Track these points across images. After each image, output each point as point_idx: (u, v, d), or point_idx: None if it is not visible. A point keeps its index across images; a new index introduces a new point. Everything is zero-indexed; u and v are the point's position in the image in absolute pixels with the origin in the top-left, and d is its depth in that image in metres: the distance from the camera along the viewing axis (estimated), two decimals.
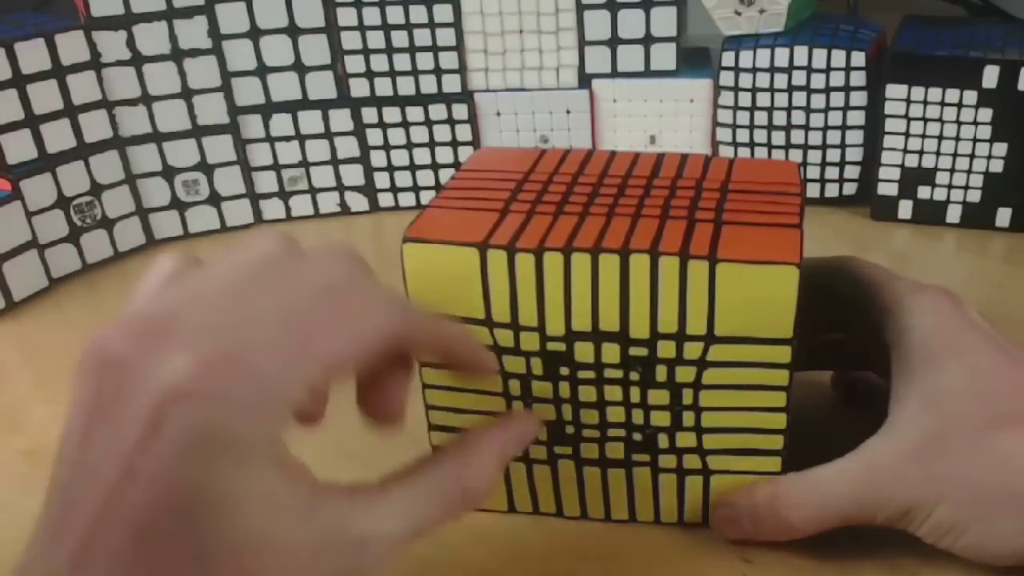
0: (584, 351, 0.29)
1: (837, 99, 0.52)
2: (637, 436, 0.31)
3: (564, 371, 0.30)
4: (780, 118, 0.53)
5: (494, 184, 0.32)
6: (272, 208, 0.57)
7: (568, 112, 0.55)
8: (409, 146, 0.56)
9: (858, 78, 0.51)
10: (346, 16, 0.53)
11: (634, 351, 0.29)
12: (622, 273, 0.28)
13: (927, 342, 0.29)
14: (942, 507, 0.28)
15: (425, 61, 0.54)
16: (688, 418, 0.30)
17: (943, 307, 0.30)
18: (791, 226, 0.29)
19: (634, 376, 0.29)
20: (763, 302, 0.27)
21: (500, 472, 0.28)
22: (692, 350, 0.29)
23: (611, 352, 0.29)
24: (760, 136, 0.54)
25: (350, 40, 0.53)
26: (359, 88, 0.55)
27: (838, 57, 0.51)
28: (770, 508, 0.30)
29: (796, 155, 0.54)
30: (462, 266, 0.29)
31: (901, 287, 0.31)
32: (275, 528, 0.21)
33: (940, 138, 0.50)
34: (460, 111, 0.55)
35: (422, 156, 0.56)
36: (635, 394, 0.30)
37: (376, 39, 0.53)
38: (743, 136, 0.54)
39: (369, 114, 0.55)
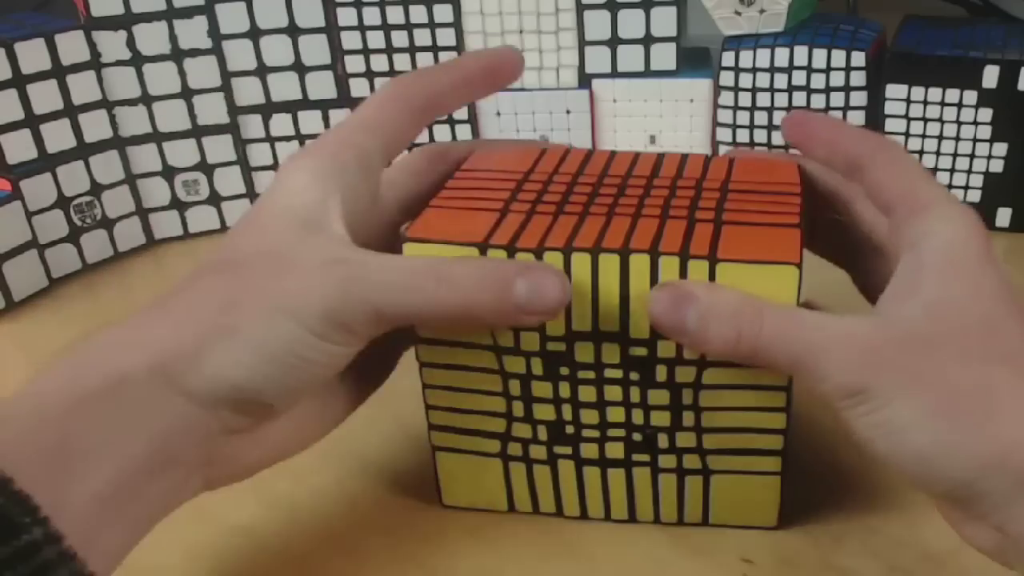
0: (584, 351, 0.29)
1: (837, 99, 0.52)
2: (637, 436, 0.31)
3: (564, 371, 0.30)
4: (780, 118, 0.53)
5: (494, 184, 0.32)
6: None
7: (568, 112, 0.55)
8: (411, 146, 0.56)
9: (858, 78, 0.51)
10: (346, 16, 0.53)
11: (634, 351, 0.29)
12: (622, 273, 0.28)
13: (951, 253, 0.27)
14: (902, 401, 0.25)
15: (425, 61, 0.54)
16: (688, 418, 0.30)
17: (976, 228, 0.28)
18: (791, 226, 0.29)
19: (634, 376, 0.29)
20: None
21: (492, 298, 0.27)
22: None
23: (611, 352, 0.29)
24: (760, 136, 0.54)
25: (350, 40, 0.53)
26: (359, 88, 0.55)
27: (838, 57, 0.51)
28: (742, 325, 0.27)
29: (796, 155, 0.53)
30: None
31: (938, 190, 0.29)
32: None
33: (940, 138, 0.50)
34: (460, 111, 0.55)
35: None
36: (635, 394, 0.30)
37: (376, 39, 0.53)
38: (743, 136, 0.54)
39: None
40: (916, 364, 0.26)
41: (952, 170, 0.51)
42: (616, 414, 0.30)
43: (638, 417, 0.30)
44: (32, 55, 0.48)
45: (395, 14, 0.53)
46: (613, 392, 0.30)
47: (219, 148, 0.54)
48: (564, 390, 0.30)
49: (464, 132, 0.56)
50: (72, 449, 0.24)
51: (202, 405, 0.26)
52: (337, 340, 0.27)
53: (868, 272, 0.33)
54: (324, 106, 0.55)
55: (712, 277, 0.27)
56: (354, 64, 0.54)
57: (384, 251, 0.29)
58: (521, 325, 0.29)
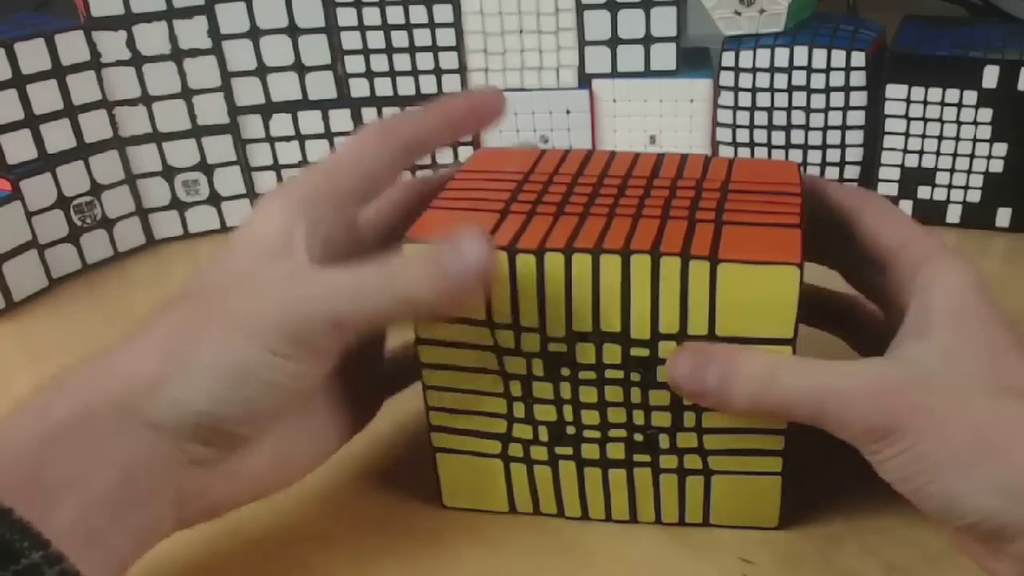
0: (585, 352, 0.29)
1: (837, 99, 0.52)
2: (638, 436, 0.31)
3: (565, 372, 0.30)
4: (780, 118, 0.53)
5: (494, 185, 0.32)
6: None
7: (568, 112, 0.55)
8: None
9: (858, 78, 0.51)
10: (346, 16, 0.53)
11: (635, 352, 0.29)
12: (623, 273, 0.28)
13: (958, 300, 0.29)
14: (927, 441, 0.26)
15: (425, 61, 0.54)
16: (689, 418, 0.30)
17: (976, 278, 0.29)
18: (792, 226, 0.29)
19: (635, 377, 0.29)
20: (764, 302, 0.27)
21: (435, 282, 0.27)
22: None
23: (612, 353, 0.29)
24: (760, 136, 0.54)
25: (350, 40, 0.53)
26: (359, 88, 0.54)
27: (838, 57, 0.51)
28: (766, 378, 0.27)
29: (796, 155, 0.54)
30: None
31: (936, 244, 0.30)
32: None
33: (940, 138, 0.50)
34: None
35: None
36: (636, 395, 0.30)
37: (376, 39, 0.53)
38: (743, 136, 0.54)
39: (369, 114, 0.55)
40: (938, 404, 0.27)
41: (952, 170, 0.51)
42: (617, 415, 0.30)
43: (639, 418, 0.30)
44: (32, 55, 0.48)
45: (395, 14, 0.53)
46: (614, 393, 0.30)
47: (219, 148, 0.54)
48: (565, 391, 0.30)
49: None
50: (42, 484, 0.24)
51: (167, 436, 0.26)
52: (300, 357, 0.27)
53: (866, 281, 0.33)
54: (324, 106, 0.55)
55: (713, 278, 0.27)
56: (354, 64, 0.54)
57: None
58: (463, 299, 0.28)
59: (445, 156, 0.56)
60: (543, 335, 0.29)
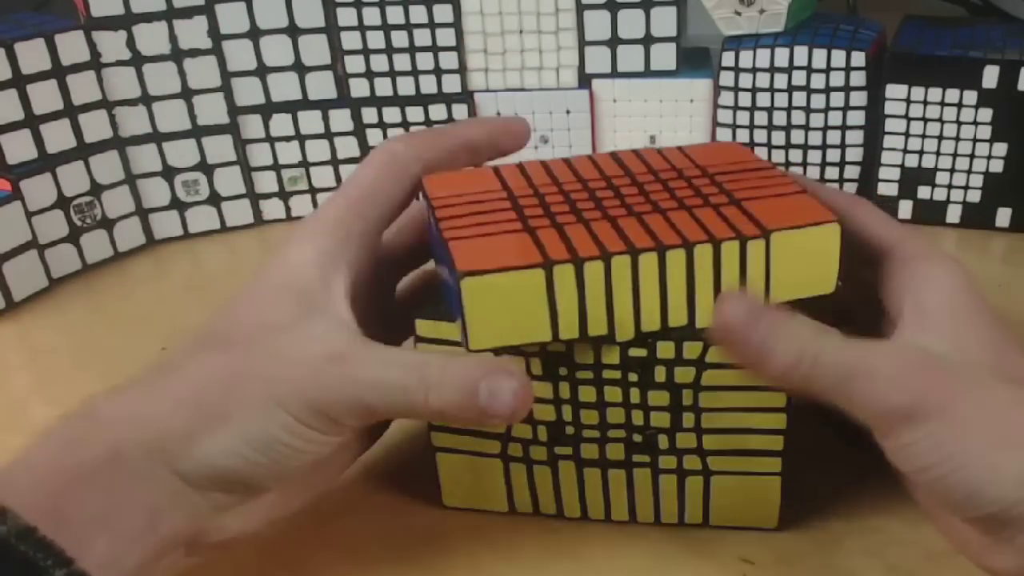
0: (583, 352, 0.29)
1: (837, 99, 0.52)
2: (637, 437, 0.31)
3: (563, 371, 0.30)
4: (780, 118, 0.53)
5: (483, 207, 0.31)
6: (272, 208, 0.57)
7: (568, 112, 0.55)
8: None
9: (858, 78, 0.51)
10: (346, 16, 0.53)
11: (633, 352, 0.29)
12: (660, 270, 0.28)
13: (954, 297, 0.29)
14: (950, 421, 0.25)
15: (425, 61, 0.54)
16: (688, 419, 0.30)
17: (965, 276, 0.30)
18: (799, 192, 0.30)
19: (633, 377, 0.29)
20: (812, 263, 0.29)
21: (460, 401, 0.27)
22: (691, 350, 0.29)
23: (611, 353, 0.29)
24: (760, 136, 0.54)
25: (350, 40, 0.53)
26: (359, 88, 0.55)
27: (838, 57, 0.51)
28: (805, 344, 0.27)
29: (796, 155, 0.54)
30: (529, 290, 0.28)
31: (924, 244, 0.31)
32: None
33: (940, 138, 0.50)
34: (460, 111, 0.55)
35: None
36: (635, 395, 0.30)
37: (376, 39, 0.53)
38: (743, 136, 0.54)
39: (369, 114, 0.55)
40: (959, 387, 0.26)
41: (952, 170, 0.51)
42: (616, 415, 0.30)
43: (638, 418, 0.30)
44: (32, 55, 0.48)
45: (395, 14, 0.53)
46: (613, 393, 0.30)
47: (219, 148, 0.54)
48: (564, 391, 0.30)
49: None
50: (73, 519, 0.24)
51: (193, 485, 0.26)
52: (325, 431, 0.28)
53: (856, 281, 0.33)
54: (324, 106, 0.55)
55: (768, 251, 0.28)
56: (354, 64, 0.54)
57: (378, 307, 0.30)
58: (492, 426, 0.30)
59: None
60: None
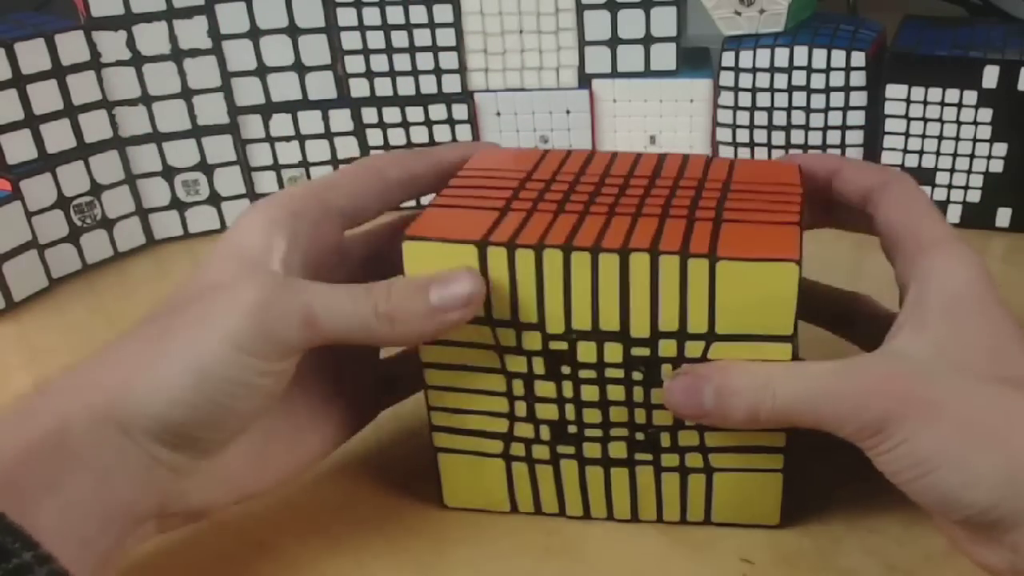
0: (586, 351, 0.29)
1: (837, 99, 0.52)
2: (640, 435, 0.31)
3: (566, 370, 0.30)
4: (780, 118, 0.53)
5: (495, 183, 0.32)
6: None
7: (568, 112, 0.55)
8: (409, 146, 0.56)
9: (858, 78, 0.51)
10: (346, 16, 0.53)
11: (636, 351, 0.29)
12: (621, 272, 0.28)
13: (957, 290, 0.28)
14: (922, 434, 0.26)
15: (425, 61, 0.54)
16: None
17: (980, 268, 0.29)
18: (791, 223, 0.29)
19: (637, 376, 0.29)
20: (763, 299, 0.27)
21: (416, 306, 0.28)
22: (693, 348, 0.29)
23: (613, 351, 0.29)
24: (760, 136, 0.54)
25: (350, 40, 0.53)
26: (359, 88, 0.55)
27: (838, 57, 0.51)
28: (760, 389, 0.28)
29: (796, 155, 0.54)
30: (462, 263, 0.29)
31: (944, 230, 0.30)
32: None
33: (940, 138, 0.50)
34: (460, 111, 0.55)
35: None
36: (638, 393, 0.30)
37: (376, 39, 0.53)
38: (743, 136, 0.54)
39: (369, 114, 0.55)
40: (930, 395, 0.26)
41: (952, 170, 0.51)
42: (619, 413, 0.30)
43: (641, 416, 0.30)
44: (32, 55, 0.48)
45: (395, 14, 0.53)
46: (615, 392, 0.30)
47: (219, 148, 0.54)
48: (567, 389, 0.30)
49: (464, 132, 0.56)
50: (22, 489, 0.24)
51: (138, 441, 0.26)
52: (266, 354, 0.27)
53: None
54: (324, 106, 0.55)
55: (712, 275, 0.27)
56: (354, 64, 0.54)
57: None
58: (447, 327, 0.29)
59: None
60: (543, 333, 0.29)
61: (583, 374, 0.30)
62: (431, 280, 0.28)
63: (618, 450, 0.31)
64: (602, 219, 0.29)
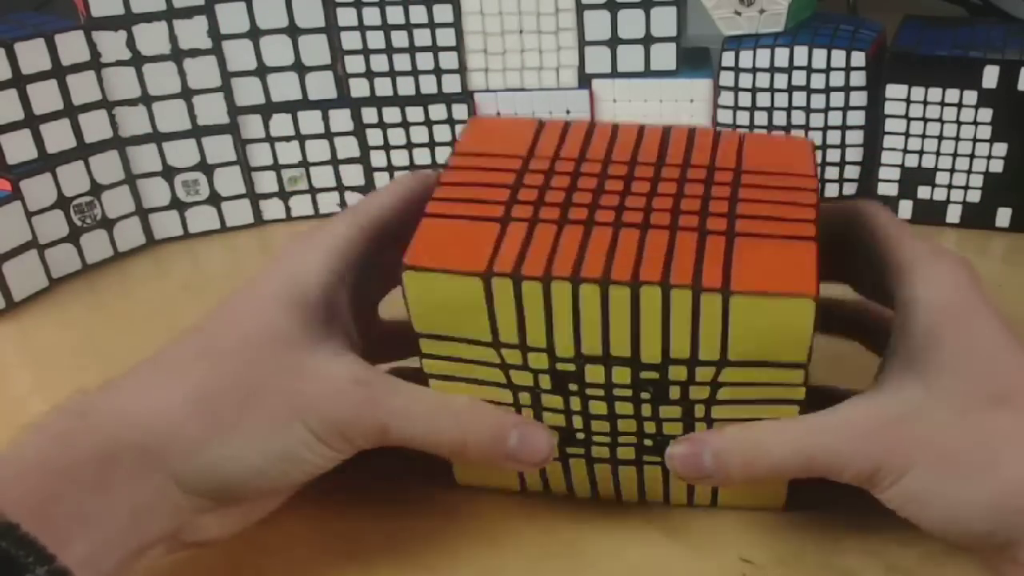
0: (594, 373, 0.29)
1: (837, 99, 0.52)
2: (648, 442, 0.31)
3: (573, 387, 0.30)
4: (780, 118, 0.53)
5: (492, 177, 0.31)
6: (272, 208, 0.57)
7: (568, 112, 0.55)
8: (409, 146, 0.56)
9: (858, 78, 0.51)
10: (346, 16, 0.53)
11: (645, 374, 0.29)
12: (632, 303, 0.27)
13: (934, 317, 0.28)
14: (912, 473, 0.27)
15: (425, 61, 0.54)
16: (700, 427, 0.30)
17: (958, 281, 0.29)
18: (807, 238, 0.28)
19: (645, 396, 0.29)
20: (778, 330, 0.27)
21: (492, 445, 0.30)
22: (704, 374, 0.28)
23: (622, 374, 0.29)
24: None
25: (350, 40, 0.53)
26: (359, 88, 0.54)
27: (838, 57, 0.51)
28: (752, 448, 0.29)
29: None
30: (466, 294, 0.28)
31: (919, 250, 0.30)
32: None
33: (940, 138, 0.50)
34: (460, 111, 0.55)
35: (422, 156, 0.56)
36: (647, 409, 0.30)
37: (376, 39, 0.53)
38: None
39: (369, 114, 0.55)
40: (918, 435, 0.27)
41: (952, 170, 0.51)
42: (627, 425, 0.30)
43: (650, 427, 0.30)
44: (32, 55, 0.48)
45: (395, 14, 0.53)
46: (624, 407, 0.30)
47: (219, 148, 0.54)
48: (574, 404, 0.30)
49: None
50: (55, 517, 0.24)
51: (185, 489, 0.27)
52: (340, 449, 0.28)
53: (870, 290, 0.34)
54: (324, 106, 0.55)
55: (726, 312, 0.27)
56: (354, 64, 0.54)
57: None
58: (507, 469, 0.31)
59: (445, 155, 0.56)
60: (551, 355, 0.29)
61: (591, 392, 0.30)
62: (514, 423, 0.30)
63: (627, 453, 0.31)
64: (609, 232, 0.28)
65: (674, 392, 0.29)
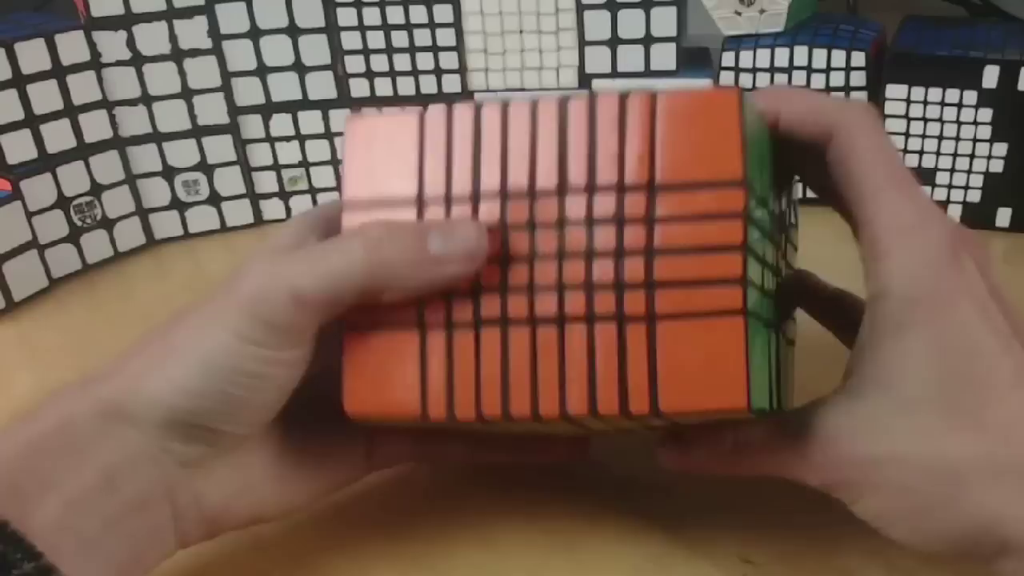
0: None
1: None
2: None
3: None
4: None
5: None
6: (272, 208, 0.57)
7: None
8: None
9: (858, 78, 0.51)
10: (346, 16, 0.53)
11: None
12: (563, 421, 0.27)
13: (903, 316, 0.26)
14: (869, 496, 0.26)
15: (425, 61, 0.54)
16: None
17: (937, 265, 0.26)
18: (734, 312, 0.25)
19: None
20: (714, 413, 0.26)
21: (413, 250, 0.26)
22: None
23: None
24: None
25: (350, 40, 0.53)
26: (359, 88, 0.55)
27: (838, 57, 0.51)
28: (737, 452, 0.28)
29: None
30: (407, 420, 0.28)
31: (897, 220, 0.26)
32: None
33: (940, 138, 0.50)
34: None
35: None
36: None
37: (376, 39, 0.53)
38: None
39: None
40: (872, 453, 0.26)
41: (952, 170, 0.51)
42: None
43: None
44: (32, 55, 0.48)
45: (395, 14, 0.53)
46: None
47: (219, 148, 0.54)
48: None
49: None
50: (23, 487, 0.24)
51: (147, 434, 0.26)
52: (268, 342, 0.26)
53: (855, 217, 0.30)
54: (324, 106, 0.55)
55: (656, 410, 0.25)
56: (354, 64, 0.54)
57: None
58: (444, 279, 0.27)
59: None
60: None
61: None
62: (429, 227, 0.27)
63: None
64: (527, 336, 0.26)
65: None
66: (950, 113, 0.49)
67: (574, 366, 0.26)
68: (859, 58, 0.50)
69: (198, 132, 0.54)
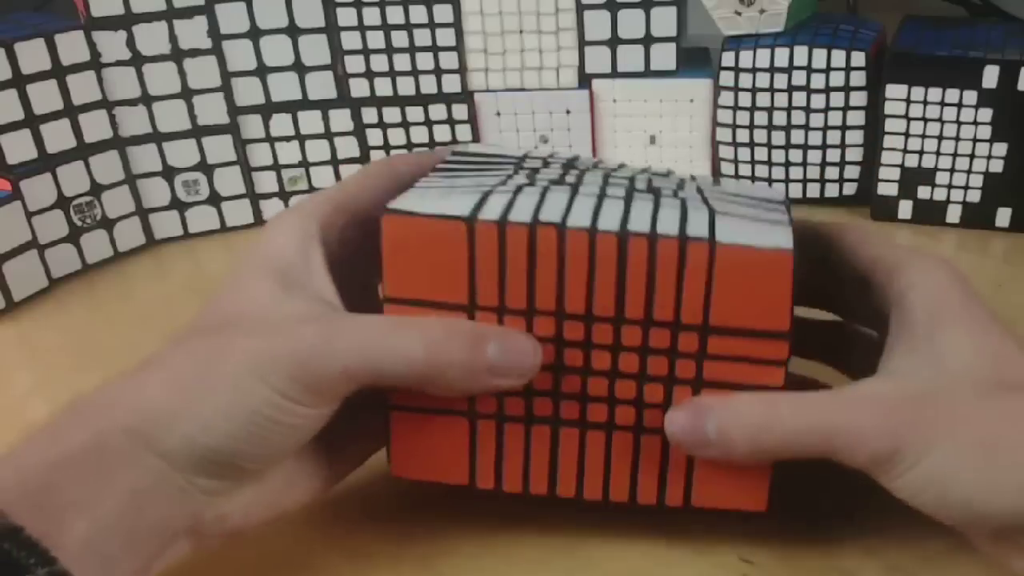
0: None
1: (837, 99, 0.52)
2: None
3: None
4: (780, 118, 0.53)
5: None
6: (272, 208, 0.57)
7: (568, 112, 0.55)
8: (409, 146, 0.56)
9: (858, 78, 0.51)
10: (346, 16, 0.53)
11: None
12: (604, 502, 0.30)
13: (933, 300, 0.28)
14: (935, 454, 0.26)
15: (425, 61, 0.54)
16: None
17: (949, 275, 0.29)
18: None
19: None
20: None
21: (469, 356, 0.28)
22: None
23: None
24: (760, 136, 0.54)
25: (350, 40, 0.53)
26: (359, 88, 0.55)
27: (838, 57, 0.51)
28: (764, 418, 0.27)
29: (796, 155, 0.54)
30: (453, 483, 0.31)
31: (905, 252, 0.30)
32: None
33: (940, 138, 0.50)
34: (460, 111, 0.55)
35: None
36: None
37: (376, 39, 0.53)
38: (743, 136, 0.54)
39: (369, 114, 0.55)
40: (938, 414, 0.26)
41: (952, 170, 0.51)
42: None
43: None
44: (32, 55, 0.48)
45: (395, 14, 0.53)
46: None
47: (219, 148, 0.54)
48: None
49: (464, 132, 0.56)
50: (51, 506, 0.24)
51: (176, 467, 0.26)
52: (308, 402, 0.27)
53: (853, 307, 0.33)
54: (324, 106, 0.55)
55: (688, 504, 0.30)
56: (354, 64, 0.54)
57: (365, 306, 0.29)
58: (492, 388, 0.28)
59: None
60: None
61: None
62: (487, 334, 0.28)
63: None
64: (576, 437, 0.30)
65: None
66: (950, 113, 0.49)
67: (619, 462, 0.30)
68: (859, 58, 0.50)
69: (198, 132, 0.54)
